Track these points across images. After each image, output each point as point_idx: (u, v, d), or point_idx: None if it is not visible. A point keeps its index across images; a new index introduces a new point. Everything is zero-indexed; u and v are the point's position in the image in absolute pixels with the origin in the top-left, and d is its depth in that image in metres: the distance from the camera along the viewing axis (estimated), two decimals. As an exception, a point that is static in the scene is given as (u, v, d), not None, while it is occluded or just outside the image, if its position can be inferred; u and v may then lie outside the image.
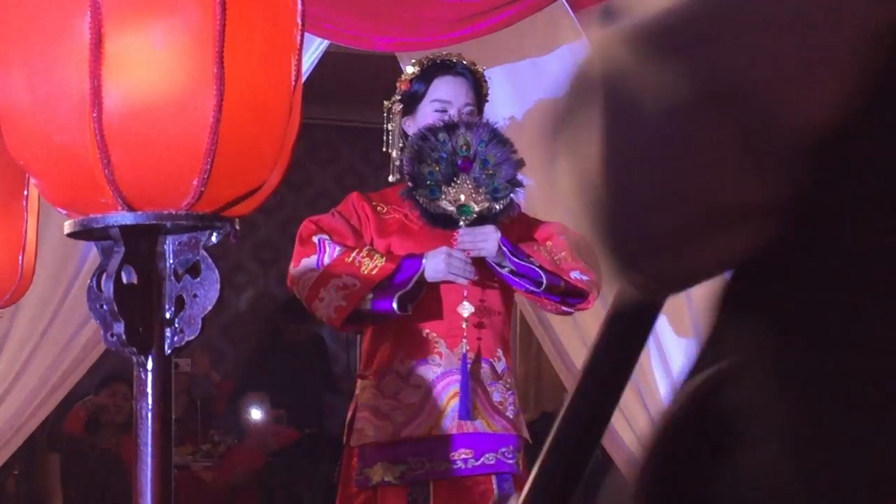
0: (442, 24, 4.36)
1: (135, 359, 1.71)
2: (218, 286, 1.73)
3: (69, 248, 4.17)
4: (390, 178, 3.80)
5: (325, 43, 4.44)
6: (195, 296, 1.74)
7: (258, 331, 8.47)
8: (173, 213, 1.64)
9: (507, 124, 4.34)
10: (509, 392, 3.74)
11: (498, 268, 3.61)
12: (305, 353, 7.82)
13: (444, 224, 3.59)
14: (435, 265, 3.54)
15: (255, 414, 7.16)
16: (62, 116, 1.60)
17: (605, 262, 0.84)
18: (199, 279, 1.74)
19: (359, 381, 3.76)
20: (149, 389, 1.72)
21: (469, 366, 3.63)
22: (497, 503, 3.58)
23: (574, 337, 4.54)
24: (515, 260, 3.58)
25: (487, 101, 3.86)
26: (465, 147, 3.62)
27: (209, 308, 1.74)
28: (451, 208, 3.58)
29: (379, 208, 3.75)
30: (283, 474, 6.93)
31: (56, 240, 3.88)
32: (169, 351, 1.73)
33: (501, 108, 4.37)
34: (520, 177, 3.68)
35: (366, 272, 3.52)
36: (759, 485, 0.77)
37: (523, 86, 4.55)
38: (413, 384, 3.64)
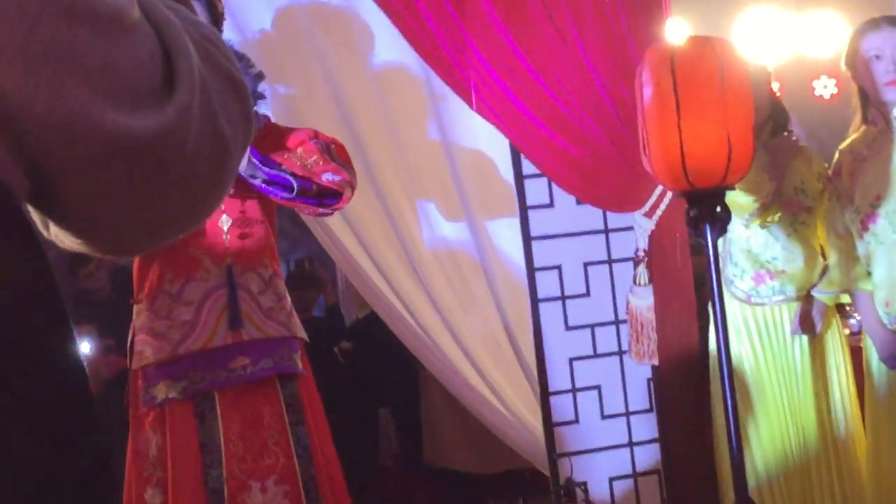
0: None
1: None
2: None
3: None
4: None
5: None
6: None
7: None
8: None
9: (258, 36, 4.41)
10: (280, 297, 3.83)
11: (251, 179, 3.67)
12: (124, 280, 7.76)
13: None
14: None
15: (85, 346, 7.14)
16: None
17: None
18: None
19: (134, 307, 3.79)
20: None
21: (235, 277, 3.72)
22: None
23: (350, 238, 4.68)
24: (266, 170, 3.64)
25: (224, 19, 3.83)
26: None
27: None
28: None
29: None
30: (119, 402, 6.96)
31: None
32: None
33: (253, 21, 4.43)
34: (262, 87, 3.75)
35: None
36: None
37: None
38: (184, 302, 3.70)
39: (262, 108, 3.79)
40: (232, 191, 3.67)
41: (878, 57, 4.04)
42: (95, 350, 7.10)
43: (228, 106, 1.03)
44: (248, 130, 1.07)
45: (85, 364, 1.00)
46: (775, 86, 4.58)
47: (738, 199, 4.19)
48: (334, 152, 3.74)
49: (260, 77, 3.73)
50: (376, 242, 4.63)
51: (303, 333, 3.87)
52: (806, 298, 4.33)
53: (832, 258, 4.24)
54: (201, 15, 3.70)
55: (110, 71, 0.93)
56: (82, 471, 0.96)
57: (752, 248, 4.32)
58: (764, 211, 4.26)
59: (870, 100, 4.12)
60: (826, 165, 4.38)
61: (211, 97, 1.01)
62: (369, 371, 7.52)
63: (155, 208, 1.01)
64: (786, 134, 4.47)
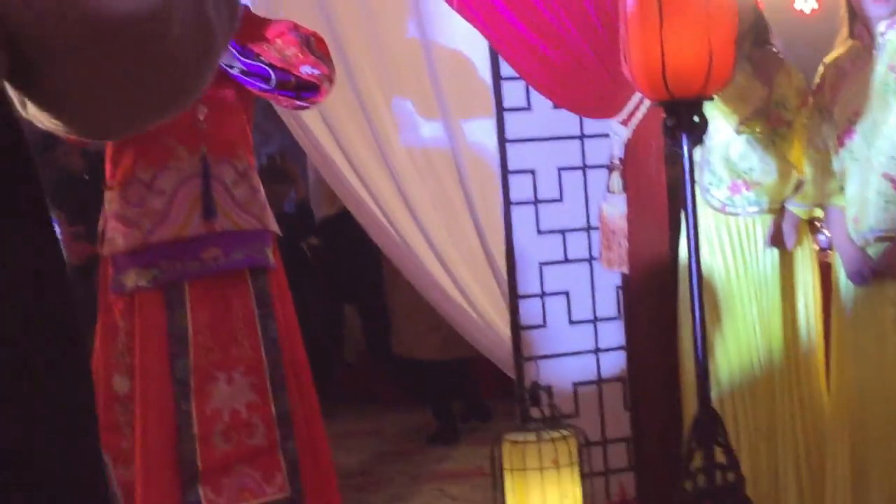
0: None
1: None
2: None
3: None
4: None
5: None
6: None
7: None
8: None
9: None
10: (254, 189, 3.82)
11: (228, 69, 3.63)
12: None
13: None
14: None
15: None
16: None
17: None
18: None
19: (106, 193, 3.77)
20: None
21: (210, 167, 3.70)
22: None
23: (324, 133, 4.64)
24: (244, 59, 3.62)
25: None
26: None
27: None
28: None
29: None
30: (88, 289, 6.92)
31: None
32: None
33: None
34: None
35: None
36: None
37: None
38: (157, 190, 3.68)
39: (244, -3, 3.73)
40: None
41: None
42: (64, 236, 7.02)
43: None
44: (233, 17, 1.06)
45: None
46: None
47: (729, 105, 4.21)
48: (314, 45, 3.71)
49: None
50: (350, 138, 4.61)
51: (276, 227, 3.87)
52: (780, 212, 4.34)
53: (808, 172, 4.24)
54: None
55: None
56: (56, 348, 0.95)
57: (731, 157, 4.31)
58: (755, 117, 4.26)
59: (856, 14, 4.09)
60: (804, 79, 4.36)
61: None
62: (337, 268, 7.53)
63: (136, 91, 1.00)
64: (768, 46, 4.45)
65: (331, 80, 3.74)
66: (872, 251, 4.01)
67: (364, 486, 5.60)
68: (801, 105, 4.32)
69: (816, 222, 4.72)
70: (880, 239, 3.99)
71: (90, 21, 0.91)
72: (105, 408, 3.70)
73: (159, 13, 0.94)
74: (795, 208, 4.30)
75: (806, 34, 7.49)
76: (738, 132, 4.28)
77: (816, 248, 4.75)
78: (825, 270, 4.39)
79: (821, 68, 4.24)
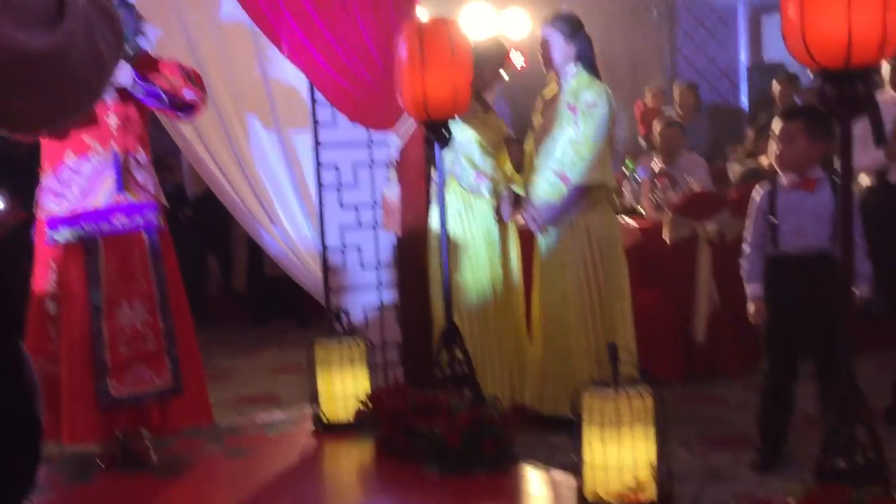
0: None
1: None
2: None
3: None
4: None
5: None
6: None
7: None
8: None
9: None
10: (149, 175, 3.79)
11: (133, 91, 3.63)
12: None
13: None
14: None
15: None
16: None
17: None
18: None
19: (42, 174, 3.71)
20: None
21: (119, 158, 3.68)
22: None
23: (194, 137, 4.56)
24: (144, 84, 3.60)
25: None
26: None
27: None
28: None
29: None
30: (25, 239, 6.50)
31: None
32: None
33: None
34: (144, 26, 3.65)
35: None
36: None
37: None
38: (80, 173, 3.65)
39: (143, 43, 3.68)
40: (118, 97, 3.64)
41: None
42: (7, 205, 6.58)
43: (105, 31, 0.99)
44: (119, 48, 1.03)
45: None
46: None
47: (489, 133, 4.50)
48: (193, 78, 3.71)
49: (141, 18, 3.65)
50: (212, 140, 4.55)
51: (164, 201, 3.85)
52: (500, 195, 4.51)
53: (527, 167, 4.44)
54: None
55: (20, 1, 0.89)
56: None
57: (474, 159, 4.47)
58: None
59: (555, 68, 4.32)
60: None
61: (92, 24, 0.97)
62: (203, 231, 7.44)
63: (46, 101, 0.97)
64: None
65: (204, 102, 3.75)
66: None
67: (218, 376, 5.55)
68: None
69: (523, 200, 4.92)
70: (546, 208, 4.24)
71: (9, 51, 0.88)
72: (40, 324, 3.66)
73: (62, 47, 0.92)
74: (515, 188, 4.48)
75: (519, 81, 7.69)
76: (487, 150, 4.45)
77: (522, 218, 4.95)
78: (529, 232, 4.58)
79: (539, 99, 4.45)
